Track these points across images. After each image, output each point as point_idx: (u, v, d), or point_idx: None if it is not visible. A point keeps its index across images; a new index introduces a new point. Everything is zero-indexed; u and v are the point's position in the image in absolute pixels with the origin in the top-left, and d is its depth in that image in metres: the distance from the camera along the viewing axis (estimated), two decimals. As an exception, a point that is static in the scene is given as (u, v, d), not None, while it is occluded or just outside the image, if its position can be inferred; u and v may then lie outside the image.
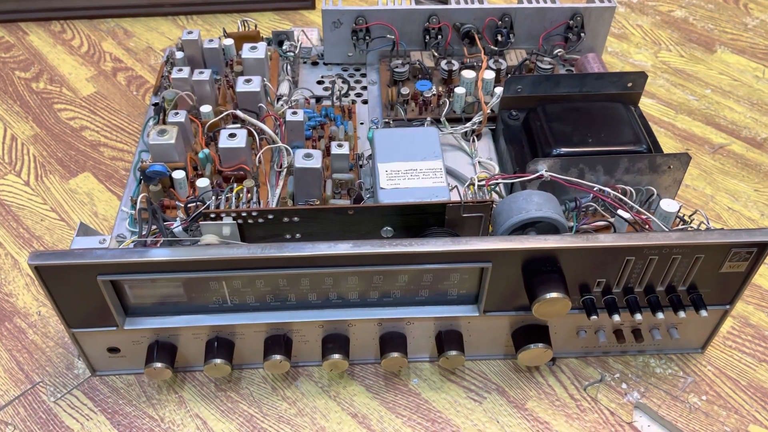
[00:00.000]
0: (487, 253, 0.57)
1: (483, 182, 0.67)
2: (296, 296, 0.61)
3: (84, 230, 0.64)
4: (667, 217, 0.65)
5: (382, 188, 0.67)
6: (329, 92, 0.87)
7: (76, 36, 1.12)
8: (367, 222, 0.64)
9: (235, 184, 0.71)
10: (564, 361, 0.69)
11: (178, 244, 0.63)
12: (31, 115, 0.97)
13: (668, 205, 0.65)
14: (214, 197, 0.66)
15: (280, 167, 0.74)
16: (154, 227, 0.65)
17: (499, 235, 0.63)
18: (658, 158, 0.70)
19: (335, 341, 0.64)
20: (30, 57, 1.08)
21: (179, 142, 0.72)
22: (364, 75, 0.93)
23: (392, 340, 0.64)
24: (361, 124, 0.85)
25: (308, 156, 0.69)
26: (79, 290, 0.57)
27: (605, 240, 0.57)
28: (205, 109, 0.78)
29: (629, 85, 0.77)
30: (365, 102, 0.89)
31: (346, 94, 0.89)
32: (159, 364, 0.62)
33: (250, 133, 0.73)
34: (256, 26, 0.94)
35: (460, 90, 0.82)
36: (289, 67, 0.89)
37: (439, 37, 0.90)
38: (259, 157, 0.73)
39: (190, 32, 0.85)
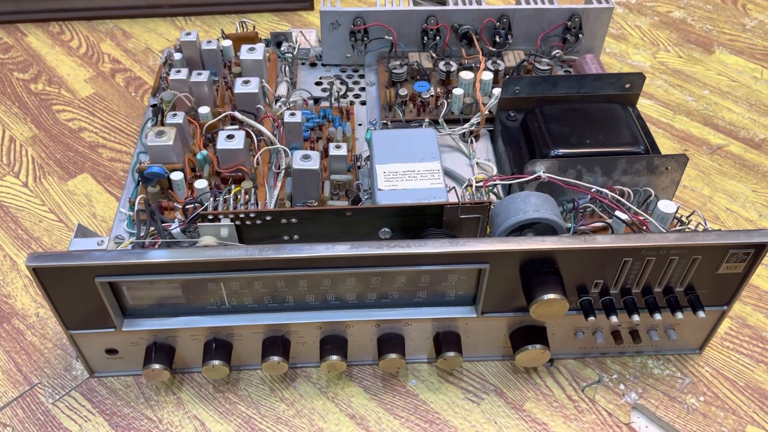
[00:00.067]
0: (485, 254, 0.57)
1: (481, 183, 0.67)
2: (294, 297, 0.61)
3: (82, 232, 0.64)
4: (665, 218, 0.65)
5: (380, 189, 0.67)
6: (327, 93, 0.87)
7: (74, 37, 1.12)
8: (365, 223, 0.64)
9: (233, 186, 0.71)
10: (562, 362, 0.69)
11: (176, 245, 0.63)
12: (29, 116, 0.97)
13: (666, 206, 0.65)
14: (212, 198, 0.66)
15: (278, 168, 0.74)
16: (152, 229, 0.65)
17: (496, 236, 0.63)
18: (655, 159, 0.70)
19: (333, 342, 0.64)
20: (28, 58, 1.08)
21: (177, 143, 0.73)
22: (362, 76, 0.93)
23: (390, 342, 0.64)
24: (359, 125, 0.85)
25: (306, 157, 0.69)
26: (77, 292, 0.57)
27: (603, 241, 0.57)
28: (204, 110, 0.78)
29: (627, 86, 0.77)
30: (363, 103, 0.89)
31: (345, 96, 0.89)
32: (157, 366, 0.62)
33: (248, 135, 0.73)
34: (254, 27, 0.94)
35: (458, 91, 0.82)
36: (287, 69, 0.89)
37: (437, 38, 0.91)
38: (257, 159, 0.73)
39: (188, 33, 0.85)
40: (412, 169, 0.69)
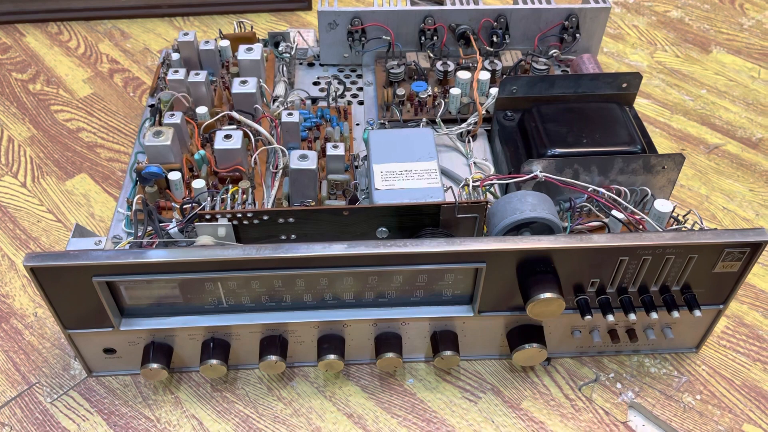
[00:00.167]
0: (482, 253, 0.57)
1: (478, 183, 0.67)
2: (291, 297, 0.61)
3: (80, 231, 0.64)
4: (661, 217, 0.66)
5: (377, 189, 0.67)
6: (325, 93, 0.87)
7: (72, 37, 1.13)
8: (362, 223, 0.64)
9: (230, 185, 0.71)
10: (559, 361, 0.69)
11: (174, 245, 0.63)
12: (27, 116, 0.97)
13: (662, 205, 0.66)
14: (209, 198, 0.66)
15: (276, 168, 0.74)
16: (149, 228, 0.65)
17: (493, 235, 0.63)
18: (652, 158, 0.70)
19: (331, 342, 0.64)
20: (27, 58, 1.08)
21: (175, 143, 0.73)
22: (360, 76, 0.93)
23: (387, 341, 0.64)
24: (357, 125, 0.85)
25: (303, 157, 0.69)
26: (75, 291, 0.57)
27: (599, 240, 0.57)
28: (201, 110, 0.78)
29: (624, 85, 0.77)
30: (361, 103, 0.89)
31: (342, 95, 0.89)
32: (155, 365, 0.62)
33: (245, 135, 0.73)
34: (252, 27, 0.94)
35: (455, 91, 0.82)
36: (285, 69, 0.89)
37: (435, 38, 0.91)
38: (255, 159, 0.73)
39: (186, 34, 0.85)
40: (410, 168, 0.69)
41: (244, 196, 0.68)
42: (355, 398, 0.66)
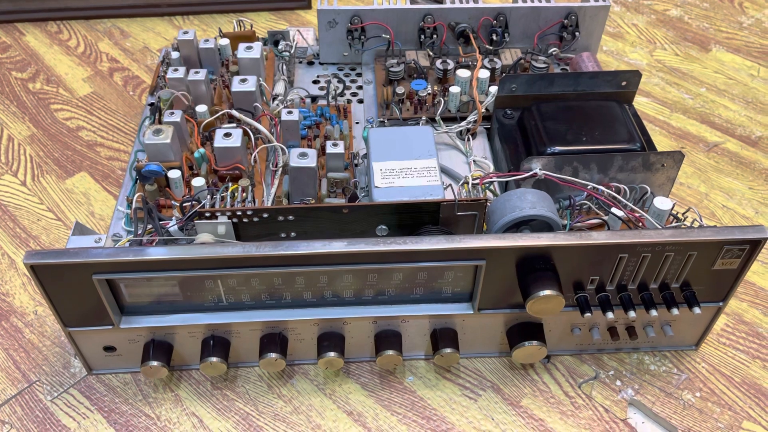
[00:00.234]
0: (481, 250, 0.57)
1: (477, 181, 0.67)
2: (291, 294, 0.61)
3: (80, 229, 0.64)
4: (661, 214, 0.66)
5: (376, 187, 0.67)
6: (325, 92, 0.87)
7: (72, 36, 1.13)
8: (361, 220, 0.64)
9: (230, 183, 0.71)
10: (558, 358, 0.69)
11: (174, 243, 0.63)
12: (27, 115, 0.97)
13: (662, 202, 0.66)
14: (209, 196, 0.66)
15: (276, 166, 0.74)
16: (149, 226, 0.65)
17: (493, 233, 0.63)
18: (651, 156, 0.70)
19: (330, 339, 0.64)
20: (26, 57, 1.08)
21: (175, 141, 0.73)
22: (359, 74, 0.93)
23: (387, 338, 0.64)
24: (357, 123, 0.86)
25: (303, 155, 0.69)
26: (75, 289, 0.57)
27: (598, 237, 0.57)
28: (201, 108, 0.79)
29: (623, 83, 0.77)
30: (360, 101, 0.89)
31: (342, 94, 0.89)
32: (155, 363, 0.62)
33: (245, 133, 0.73)
34: (251, 26, 0.94)
35: (455, 89, 0.82)
36: (284, 67, 0.89)
37: (434, 36, 0.91)
38: (255, 157, 0.73)
39: (185, 32, 0.85)
40: (409, 166, 0.69)
41: (244, 194, 0.68)
42: (355, 396, 0.66)
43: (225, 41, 0.89)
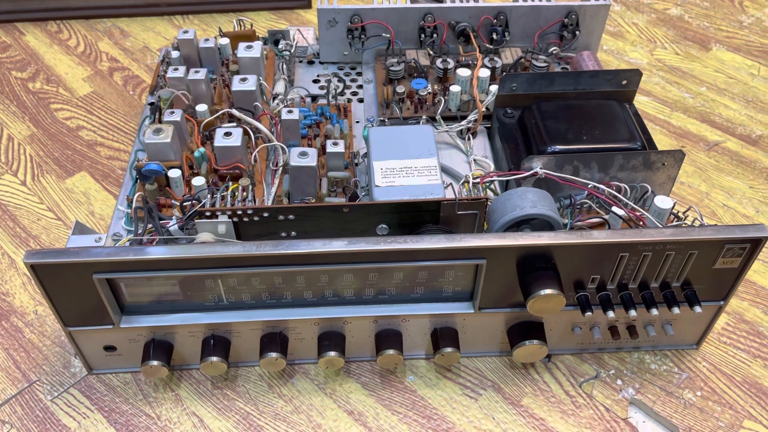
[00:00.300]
0: (482, 250, 0.57)
1: (478, 180, 0.67)
2: (292, 294, 0.61)
3: (80, 229, 0.64)
4: (662, 213, 0.66)
5: (377, 186, 0.67)
6: (325, 91, 0.87)
7: (72, 36, 1.12)
8: (362, 220, 0.64)
9: (230, 183, 0.71)
10: (559, 357, 0.69)
11: (174, 242, 0.63)
12: (27, 115, 0.97)
13: (662, 201, 0.66)
14: (209, 196, 0.66)
15: (276, 166, 0.74)
16: (150, 226, 0.65)
17: (493, 232, 0.63)
18: (652, 155, 0.70)
19: (331, 339, 0.64)
20: (26, 57, 1.08)
21: (175, 140, 0.73)
22: (359, 74, 0.93)
23: (388, 338, 0.64)
24: (357, 122, 0.85)
25: (304, 154, 0.69)
26: (75, 288, 0.57)
27: (599, 236, 0.57)
28: (201, 108, 0.78)
29: (624, 82, 0.77)
30: (361, 100, 0.89)
31: (342, 93, 0.89)
32: (155, 362, 0.62)
33: (245, 132, 0.73)
34: (251, 25, 0.94)
35: (455, 88, 0.82)
36: (284, 66, 0.89)
37: (435, 35, 0.91)
38: (255, 156, 0.73)
39: (185, 32, 0.85)
40: (410, 165, 0.69)
41: (244, 193, 0.68)
42: (355, 395, 0.66)
43: (225, 40, 0.89)
